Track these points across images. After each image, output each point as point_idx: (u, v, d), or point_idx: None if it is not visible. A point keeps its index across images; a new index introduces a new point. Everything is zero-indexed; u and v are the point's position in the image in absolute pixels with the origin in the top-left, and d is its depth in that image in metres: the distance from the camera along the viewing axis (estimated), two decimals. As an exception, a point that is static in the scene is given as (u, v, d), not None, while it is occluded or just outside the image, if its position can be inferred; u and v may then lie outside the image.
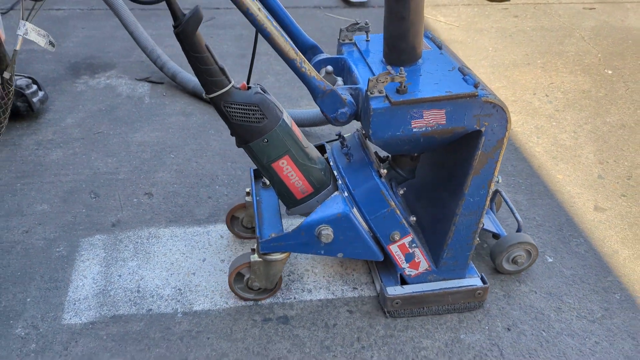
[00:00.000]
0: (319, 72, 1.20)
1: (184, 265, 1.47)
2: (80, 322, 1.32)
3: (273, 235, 1.23)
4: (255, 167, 1.39)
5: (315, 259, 1.49)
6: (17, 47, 1.09)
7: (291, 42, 1.08)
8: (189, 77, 2.30)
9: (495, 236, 1.46)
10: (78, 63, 2.52)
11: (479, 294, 1.30)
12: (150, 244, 1.54)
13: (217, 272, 1.46)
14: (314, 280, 1.43)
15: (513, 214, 1.46)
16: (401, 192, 1.26)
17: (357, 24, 1.31)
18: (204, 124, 2.10)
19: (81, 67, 2.49)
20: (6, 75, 1.16)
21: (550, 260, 1.49)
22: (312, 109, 2.03)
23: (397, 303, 1.28)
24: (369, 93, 1.07)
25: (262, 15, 1.02)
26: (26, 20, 1.05)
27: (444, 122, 1.08)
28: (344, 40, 1.32)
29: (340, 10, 3.26)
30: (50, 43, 1.08)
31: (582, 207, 1.69)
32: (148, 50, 2.41)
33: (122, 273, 1.45)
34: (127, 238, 1.56)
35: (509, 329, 1.30)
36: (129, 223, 1.61)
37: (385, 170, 1.21)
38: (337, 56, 1.28)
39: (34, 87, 2.07)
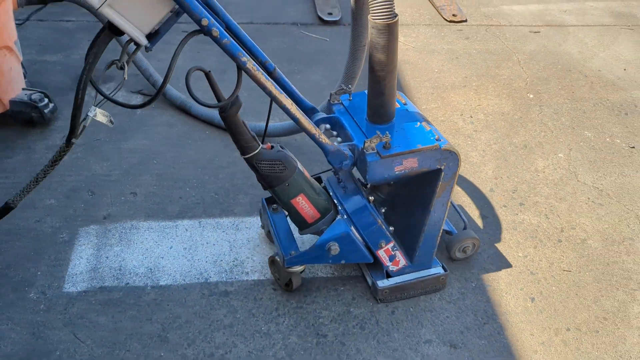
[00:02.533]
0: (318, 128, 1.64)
1: (155, 250, 1.94)
2: (76, 290, 1.79)
3: (293, 253, 1.67)
4: (266, 197, 1.85)
5: (255, 249, 1.95)
6: (87, 124, 1.41)
7: (311, 122, 1.50)
8: (177, 94, 2.73)
9: (448, 233, 1.91)
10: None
11: (442, 279, 1.80)
12: (131, 234, 2.01)
13: (180, 257, 1.92)
14: (252, 266, 1.89)
15: (460, 216, 1.94)
16: (383, 210, 1.72)
17: (343, 89, 1.75)
18: (184, 135, 2.55)
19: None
20: (73, 140, 1.47)
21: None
22: (286, 122, 2.45)
23: (385, 292, 1.75)
24: (364, 150, 1.49)
25: (294, 109, 1.44)
26: (95, 105, 1.39)
27: (417, 165, 1.53)
28: (333, 102, 1.74)
29: (315, 28, 3.66)
30: (110, 121, 1.39)
31: (470, 215, 2.13)
32: (142, 69, 2.85)
33: (109, 255, 1.92)
34: (114, 228, 2.02)
35: (386, 305, 1.76)
36: (117, 217, 2.08)
37: (372, 198, 1.67)
38: (331, 115, 1.70)
39: (46, 100, 2.52)
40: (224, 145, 2.48)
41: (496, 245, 2.01)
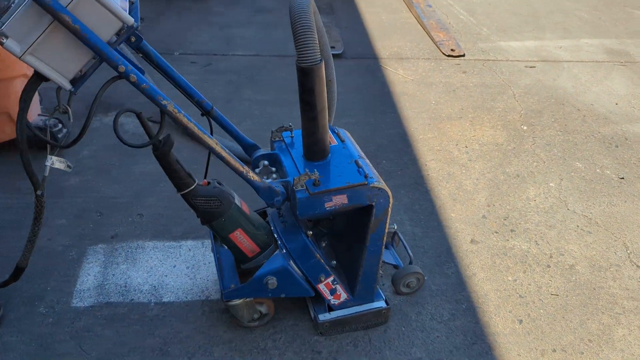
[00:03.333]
0: (257, 165, 1.73)
1: (159, 269, 2.04)
2: (84, 305, 1.89)
3: (233, 286, 1.71)
4: None
5: (255, 269, 2.05)
6: (46, 174, 1.47)
7: (238, 160, 1.55)
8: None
9: (395, 267, 1.97)
10: (114, 103, 3.11)
11: (384, 313, 1.83)
12: (137, 253, 2.11)
13: (183, 275, 2.02)
14: (251, 285, 1.99)
15: (406, 250, 2.00)
16: (323, 244, 1.78)
17: (284, 126, 1.82)
18: (190, 160, 2.67)
19: (102, 105, 3.09)
20: (38, 192, 1.50)
21: (425, 278, 2.03)
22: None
23: (326, 325, 1.79)
24: (294, 187, 1.55)
25: (219, 147, 1.50)
26: (51, 155, 1.45)
27: (347, 201, 1.57)
28: (274, 139, 1.80)
29: (318, 60, 3.83)
30: (68, 166, 1.44)
31: (462, 240, 2.23)
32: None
33: (115, 273, 2.02)
34: (121, 247, 2.13)
35: (381, 325, 1.85)
36: (123, 236, 2.19)
37: (310, 232, 1.71)
38: (271, 152, 1.77)
39: (60, 125, 2.67)
40: (230, 171, 2.60)
41: (487, 269, 2.10)
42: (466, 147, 2.87)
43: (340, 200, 1.57)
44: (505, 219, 2.36)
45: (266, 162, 1.75)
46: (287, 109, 3.18)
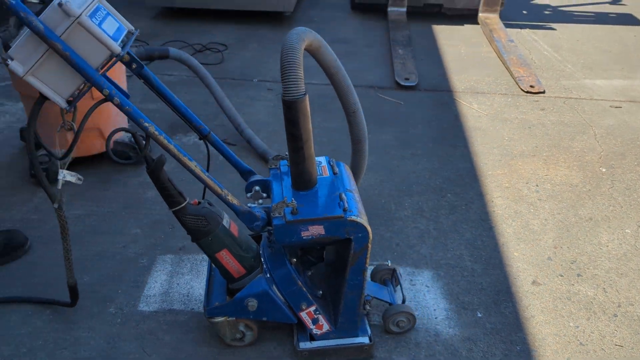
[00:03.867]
0: (250, 190, 1.84)
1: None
2: (149, 310, 2.06)
3: (217, 304, 1.81)
4: None
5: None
6: (59, 186, 1.61)
7: (218, 183, 1.67)
8: (260, 143, 3.05)
9: (389, 304, 1.96)
10: (176, 122, 3.37)
11: (366, 349, 1.82)
12: (201, 266, 2.27)
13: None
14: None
15: (401, 289, 2.01)
16: (309, 273, 1.83)
17: (280, 155, 1.90)
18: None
19: (178, 126, 3.35)
20: (55, 205, 1.65)
21: (479, 315, 2.02)
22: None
23: (305, 354, 1.82)
24: (272, 214, 1.64)
25: (198, 170, 1.64)
26: (63, 169, 1.60)
27: (324, 232, 1.62)
28: (271, 166, 1.89)
29: (392, 92, 3.92)
30: (79, 179, 1.58)
31: (523, 280, 2.20)
32: (231, 118, 3.23)
33: (179, 282, 2.18)
34: (187, 259, 2.30)
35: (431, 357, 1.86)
36: (190, 249, 2.36)
37: (294, 259, 1.77)
38: (265, 178, 1.86)
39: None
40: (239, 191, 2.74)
41: (547, 312, 2.05)
42: (537, 186, 2.82)
43: (317, 230, 1.61)
44: (572, 263, 2.30)
45: (258, 188, 1.84)
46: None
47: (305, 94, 1.55)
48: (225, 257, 1.73)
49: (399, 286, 2.04)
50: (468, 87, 3.98)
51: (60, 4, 1.35)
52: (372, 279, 2.08)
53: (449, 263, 2.30)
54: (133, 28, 1.58)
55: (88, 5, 1.40)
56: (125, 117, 2.98)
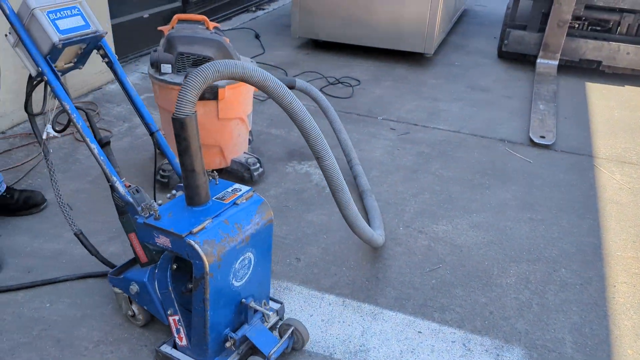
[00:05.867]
0: (176, 190, 1.99)
1: (297, 314, 2.23)
2: (225, 326, 2.16)
3: (114, 272, 2.07)
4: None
5: (384, 343, 2.10)
6: (44, 137, 1.98)
7: (113, 170, 1.89)
8: (364, 182, 3.09)
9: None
10: (294, 150, 3.57)
11: None
12: (283, 293, 2.35)
13: (315, 326, 2.16)
14: (375, 356, 2.04)
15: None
16: (190, 286, 1.86)
17: (213, 171, 2.01)
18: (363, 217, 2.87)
19: (295, 154, 3.53)
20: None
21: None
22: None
23: (159, 356, 1.94)
24: (139, 212, 1.82)
25: (95, 151, 1.88)
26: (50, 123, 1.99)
27: (170, 246, 1.75)
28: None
29: (523, 148, 3.75)
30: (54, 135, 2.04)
31: (632, 384, 1.94)
32: (345, 151, 3.33)
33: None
34: (274, 284, 2.39)
35: None
36: (278, 274, 2.45)
37: (175, 266, 1.87)
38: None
39: (258, 164, 3.13)
40: (394, 243, 2.72)
41: None
42: (674, 277, 2.49)
43: (165, 241, 1.76)
44: (701, 378, 1.98)
45: (174, 192, 1.98)
46: (468, 189, 3.19)
47: (194, 113, 1.68)
48: (134, 240, 1.91)
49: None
50: (614, 154, 3.66)
51: None
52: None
53: (546, 345, 2.12)
54: (101, 30, 1.93)
55: (51, 4, 1.80)
56: (246, 139, 3.22)
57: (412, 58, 5.43)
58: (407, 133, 3.90)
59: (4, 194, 2.72)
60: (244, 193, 1.94)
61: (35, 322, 2.14)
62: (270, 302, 2.16)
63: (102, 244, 2.59)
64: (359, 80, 4.83)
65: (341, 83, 4.75)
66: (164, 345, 1.98)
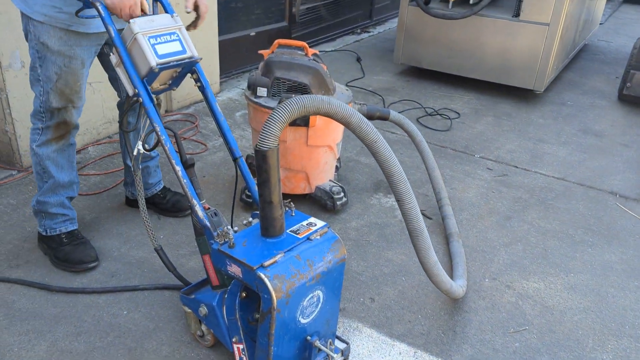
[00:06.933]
0: (252, 217, 2.01)
1: (364, 359, 2.17)
2: None
3: (185, 291, 2.14)
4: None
5: None
6: (135, 153, 2.08)
7: (194, 195, 1.94)
8: (452, 224, 2.97)
9: None
10: (381, 182, 3.51)
11: None
12: (353, 334, 2.29)
13: (381, 375, 2.10)
14: None
15: None
16: (257, 316, 1.84)
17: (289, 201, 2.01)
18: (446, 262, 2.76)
19: (382, 186, 3.47)
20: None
21: None
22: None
23: None
24: (214, 237, 1.85)
25: (179, 174, 1.95)
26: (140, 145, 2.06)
27: (241, 276, 1.76)
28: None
29: (638, 206, 3.43)
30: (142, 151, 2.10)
31: None
32: (436, 190, 3.23)
33: (326, 343, 2.24)
34: (342, 322, 2.34)
35: None
36: (349, 313, 2.40)
37: (244, 294, 1.86)
38: None
39: (342, 194, 3.11)
40: (477, 296, 2.58)
41: None
42: None
43: (236, 270, 1.77)
44: None
45: (251, 219, 2.00)
46: (568, 245, 2.96)
47: (276, 147, 1.70)
48: (208, 263, 1.95)
49: None
50: None
51: (129, 23, 1.89)
52: None
53: None
54: (196, 55, 1.99)
55: (152, 29, 1.90)
56: (333, 167, 3.22)
57: (518, 94, 5.20)
58: (505, 175, 3.72)
59: (159, 192, 2.98)
60: (318, 229, 1.92)
61: (111, 328, 2.24)
62: (336, 342, 2.12)
63: (183, 257, 2.68)
64: (458, 113, 4.69)
65: (439, 115, 4.64)
66: None
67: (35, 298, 2.37)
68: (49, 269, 2.54)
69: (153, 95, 2.00)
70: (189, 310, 2.14)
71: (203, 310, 2.03)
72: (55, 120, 2.37)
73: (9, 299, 2.35)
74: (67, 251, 2.56)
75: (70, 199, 2.61)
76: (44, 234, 2.60)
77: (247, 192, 3.05)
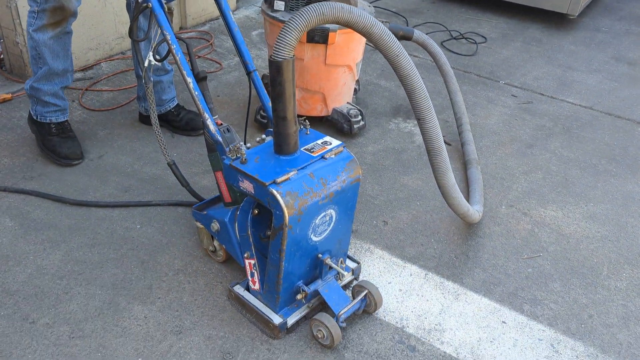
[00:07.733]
0: (266, 135, 1.97)
1: (375, 279, 2.18)
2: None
3: (198, 207, 2.16)
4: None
5: (462, 326, 2.01)
6: (146, 64, 2.02)
7: (205, 107, 1.91)
8: (471, 150, 2.91)
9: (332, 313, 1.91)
10: (401, 106, 3.43)
11: (272, 326, 1.90)
12: (364, 255, 2.30)
13: (392, 295, 2.11)
14: (450, 338, 1.96)
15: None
16: (268, 233, 1.83)
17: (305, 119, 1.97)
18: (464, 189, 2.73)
19: (401, 110, 3.39)
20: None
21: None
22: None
23: (232, 295, 2.02)
24: (227, 153, 1.83)
25: (191, 86, 1.90)
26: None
27: (253, 192, 1.75)
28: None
29: (666, 135, 3.32)
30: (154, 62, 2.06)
31: None
32: (457, 115, 3.15)
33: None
34: (354, 244, 2.36)
35: None
36: (361, 234, 2.41)
37: (256, 211, 1.87)
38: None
39: (359, 117, 3.05)
40: (492, 222, 2.56)
41: None
42: None
43: (247, 186, 1.76)
44: None
45: (264, 136, 1.96)
46: (590, 175, 2.90)
47: (292, 57, 1.62)
48: (220, 179, 1.97)
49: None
50: None
51: None
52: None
53: (650, 365, 1.91)
54: None
55: None
56: (352, 89, 3.13)
57: (550, 18, 4.95)
58: (530, 102, 3.60)
59: (172, 110, 2.95)
60: (333, 147, 1.88)
61: (125, 241, 2.28)
62: (348, 261, 2.13)
63: (196, 175, 2.69)
64: (485, 38, 4.51)
65: (465, 38, 4.46)
66: (237, 286, 2.03)
67: (49, 209, 2.41)
68: (62, 182, 2.57)
69: (164, 3, 1.92)
70: (202, 226, 2.16)
71: (215, 225, 2.05)
72: (51, 4, 2.31)
73: (24, 210, 2.39)
74: (54, 142, 2.64)
75: (64, 88, 2.64)
76: (34, 117, 2.67)
77: (262, 113, 3.01)
